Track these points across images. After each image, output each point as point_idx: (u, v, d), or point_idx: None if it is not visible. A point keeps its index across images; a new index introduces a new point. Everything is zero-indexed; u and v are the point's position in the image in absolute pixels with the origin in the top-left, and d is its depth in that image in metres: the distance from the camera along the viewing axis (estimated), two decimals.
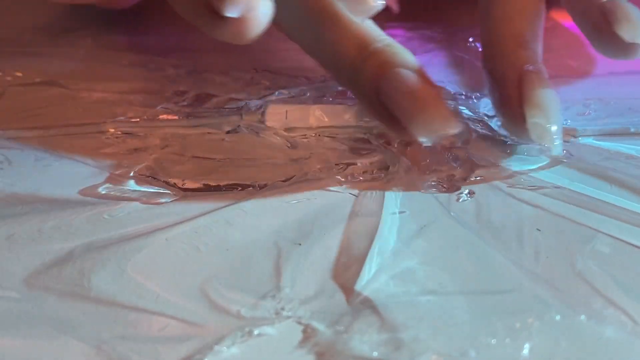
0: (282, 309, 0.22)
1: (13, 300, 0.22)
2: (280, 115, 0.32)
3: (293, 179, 0.28)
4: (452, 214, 0.27)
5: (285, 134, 0.31)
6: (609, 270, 0.24)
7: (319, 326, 0.21)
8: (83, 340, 0.21)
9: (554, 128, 0.28)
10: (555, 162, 0.30)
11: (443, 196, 0.28)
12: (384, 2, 0.29)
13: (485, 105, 0.33)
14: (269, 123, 0.32)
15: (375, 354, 0.20)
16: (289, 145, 0.30)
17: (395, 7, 0.40)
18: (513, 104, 0.29)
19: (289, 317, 0.22)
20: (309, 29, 0.30)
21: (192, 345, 0.21)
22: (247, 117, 0.32)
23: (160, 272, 0.24)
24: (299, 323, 0.21)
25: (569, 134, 0.32)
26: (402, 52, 0.29)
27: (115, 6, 0.29)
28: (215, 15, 0.26)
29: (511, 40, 0.31)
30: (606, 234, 0.25)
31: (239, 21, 0.26)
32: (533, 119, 0.28)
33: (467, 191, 0.28)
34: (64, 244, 0.25)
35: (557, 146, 0.28)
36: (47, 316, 0.22)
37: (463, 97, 0.35)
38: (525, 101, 0.29)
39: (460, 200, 0.27)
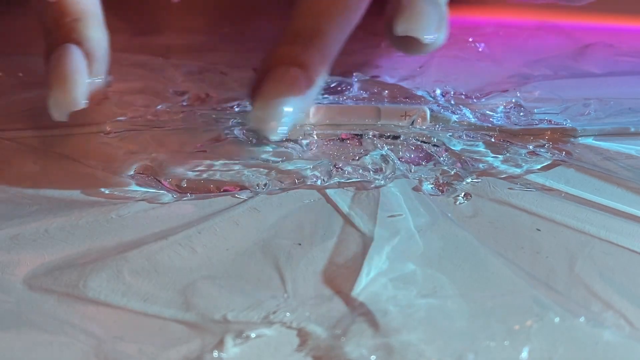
0: (276, 312, 0.22)
1: (13, 301, 0.22)
2: None
3: (291, 180, 0.28)
4: (449, 215, 0.27)
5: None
6: (607, 274, 0.24)
7: (317, 330, 0.21)
8: (82, 340, 0.21)
9: (272, 123, 0.28)
10: (554, 163, 0.30)
11: (440, 199, 0.28)
12: None
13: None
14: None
15: (373, 357, 0.20)
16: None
17: None
18: (251, 94, 0.30)
19: (282, 322, 0.22)
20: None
21: (190, 346, 0.21)
22: (247, 117, 0.32)
23: (159, 273, 0.24)
24: (290, 327, 0.21)
25: (569, 134, 0.32)
26: (85, 27, 0.31)
27: None
28: None
29: (281, 37, 0.31)
30: (605, 239, 0.25)
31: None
32: (256, 110, 0.29)
33: (463, 194, 0.28)
34: (65, 245, 0.25)
35: (278, 135, 0.29)
36: (47, 317, 0.22)
37: (463, 96, 0.35)
38: (256, 94, 0.29)
39: (457, 202, 0.27)
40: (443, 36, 0.29)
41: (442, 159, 0.30)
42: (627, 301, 0.22)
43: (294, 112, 0.29)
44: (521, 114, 0.33)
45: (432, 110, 0.33)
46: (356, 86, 0.35)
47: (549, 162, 0.30)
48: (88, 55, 0.30)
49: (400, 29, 0.28)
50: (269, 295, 0.23)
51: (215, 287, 0.23)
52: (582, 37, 0.41)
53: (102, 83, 0.31)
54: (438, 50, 0.33)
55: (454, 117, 0.33)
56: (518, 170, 0.29)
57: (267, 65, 0.30)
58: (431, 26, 0.29)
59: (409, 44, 0.29)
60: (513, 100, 0.34)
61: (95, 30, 0.31)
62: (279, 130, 0.28)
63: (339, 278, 0.23)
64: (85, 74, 0.29)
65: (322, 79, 0.31)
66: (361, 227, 0.26)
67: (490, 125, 0.32)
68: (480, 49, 0.39)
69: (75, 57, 0.29)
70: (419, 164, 0.29)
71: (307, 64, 0.30)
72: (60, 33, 0.31)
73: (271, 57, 0.30)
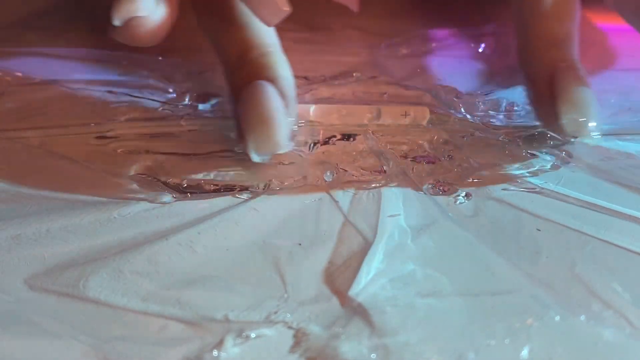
0: (276, 312, 0.22)
1: (13, 301, 0.22)
2: None
3: (292, 180, 0.28)
4: (450, 215, 0.27)
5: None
6: (607, 274, 0.24)
7: (315, 329, 0.21)
8: (82, 340, 0.21)
9: (590, 123, 0.29)
10: (556, 166, 0.30)
11: (440, 198, 0.28)
12: (289, 9, 0.28)
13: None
14: None
15: (373, 355, 0.20)
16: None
17: (355, 7, 0.39)
18: (545, 101, 0.30)
19: (282, 322, 0.22)
20: (213, 27, 0.32)
21: (190, 346, 0.21)
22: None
23: (160, 273, 0.24)
24: (290, 327, 0.21)
25: None
26: (274, 63, 0.29)
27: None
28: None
29: (543, 41, 0.32)
30: (605, 239, 0.25)
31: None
32: (567, 115, 0.29)
33: (464, 193, 0.28)
34: (66, 245, 0.25)
35: (595, 139, 0.30)
36: (47, 317, 0.22)
37: (463, 96, 0.35)
38: (558, 98, 0.29)
39: (458, 202, 0.27)
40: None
41: (442, 158, 0.30)
42: (627, 301, 0.23)
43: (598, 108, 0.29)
44: (521, 114, 0.33)
45: (432, 110, 0.33)
46: (356, 86, 0.35)
47: (549, 163, 0.30)
48: (282, 94, 0.28)
49: (571, 130, 0.29)
50: (269, 295, 0.23)
51: (215, 287, 0.23)
52: (582, 37, 0.41)
53: (294, 126, 0.29)
54: (438, 50, 0.33)
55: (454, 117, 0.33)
56: (518, 171, 0.29)
57: (545, 70, 0.30)
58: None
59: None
60: (513, 100, 0.34)
61: (284, 66, 0.30)
62: (595, 128, 0.29)
63: (339, 278, 0.23)
64: (285, 114, 0.27)
65: None
66: (361, 227, 0.26)
67: (491, 125, 0.32)
68: (480, 49, 0.39)
69: (274, 96, 0.27)
70: (420, 163, 0.29)
71: (576, 65, 0.31)
72: (249, 69, 0.29)
73: (544, 62, 0.31)
